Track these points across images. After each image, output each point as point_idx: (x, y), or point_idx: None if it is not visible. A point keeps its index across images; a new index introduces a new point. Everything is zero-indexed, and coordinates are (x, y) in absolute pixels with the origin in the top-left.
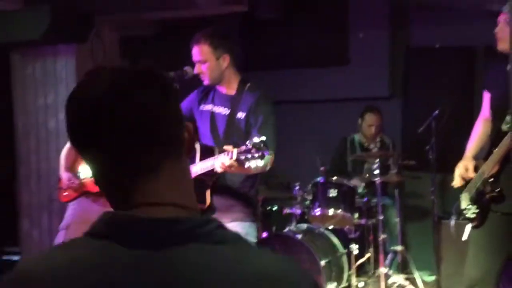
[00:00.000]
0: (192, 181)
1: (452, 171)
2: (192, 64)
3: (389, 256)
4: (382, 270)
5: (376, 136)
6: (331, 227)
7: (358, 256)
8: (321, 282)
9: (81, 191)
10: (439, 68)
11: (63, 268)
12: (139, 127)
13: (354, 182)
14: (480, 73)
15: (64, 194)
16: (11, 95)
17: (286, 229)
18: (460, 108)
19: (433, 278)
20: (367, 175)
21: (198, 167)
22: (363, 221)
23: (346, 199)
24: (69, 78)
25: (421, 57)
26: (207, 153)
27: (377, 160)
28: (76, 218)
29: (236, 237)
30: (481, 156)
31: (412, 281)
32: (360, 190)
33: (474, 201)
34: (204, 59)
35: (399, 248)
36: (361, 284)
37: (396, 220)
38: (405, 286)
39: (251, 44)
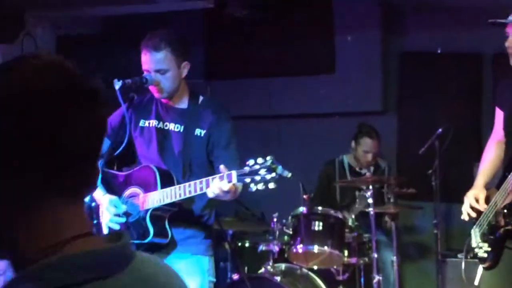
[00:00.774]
0: None
1: (459, 201)
2: (138, 72)
3: None
4: None
5: (371, 162)
6: (315, 267)
7: None
8: None
9: None
10: (440, 78)
11: None
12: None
13: (344, 213)
14: (489, 83)
15: None
16: None
17: (262, 270)
18: (467, 125)
19: None
20: (359, 205)
21: (159, 195)
22: (353, 260)
23: (334, 233)
24: None
25: (419, 65)
26: (166, 178)
27: (371, 187)
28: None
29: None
30: (494, 184)
31: None
32: (350, 222)
33: (486, 237)
34: (164, 69)
35: None
36: None
37: (392, 258)
38: None
39: (217, 49)
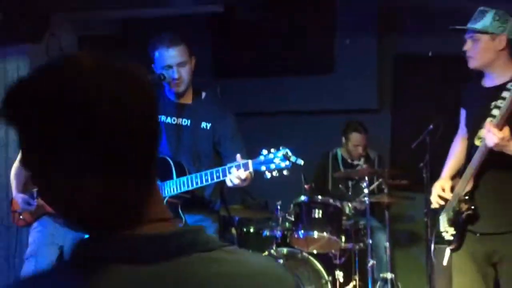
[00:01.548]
0: None
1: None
2: (150, 70)
3: (378, 284)
4: None
5: (362, 154)
6: (315, 251)
7: (344, 284)
8: None
9: (41, 212)
10: (431, 78)
11: None
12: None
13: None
14: None
15: (20, 218)
16: None
17: (266, 253)
18: (456, 122)
19: None
20: (355, 194)
21: (176, 184)
22: (349, 245)
23: (332, 220)
24: None
25: (412, 66)
26: (180, 168)
27: (366, 178)
28: (44, 241)
29: (220, 242)
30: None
31: None
32: (347, 211)
33: (451, 222)
34: (185, 61)
35: (388, 275)
36: None
37: (385, 244)
38: None
39: (224, 49)
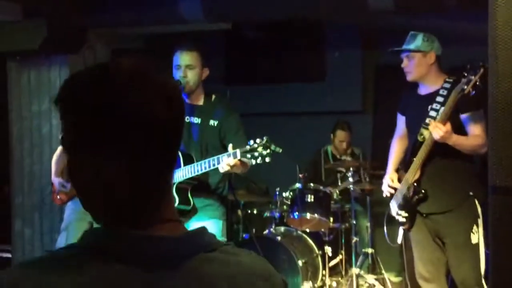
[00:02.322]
0: None
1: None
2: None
3: (360, 258)
4: (354, 270)
5: (347, 149)
6: (307, 230)
7: (332, 258)
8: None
9: (72, 194)
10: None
11: None
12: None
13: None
14: None
15: (58, 197)
16: (7, 102)
17: (266, 231)
18: None
19: (399, 279)
20: (342, 183)
21: (182, 172)
22: (337, 225)
23: (322, 204)
24: None
25: (391, 75)
26: (188, 158)
27: (351, 169)
28: (75, 217)
29: (219, 242)
30: (402, 168)
31: (381, 281)
32: (335, 196)
33: (402, 207)
34: (193, 65)
35: (369, 250)
36: (334, 283)
37: (367, 224)
38: (375, 286)
39: (234, 60)
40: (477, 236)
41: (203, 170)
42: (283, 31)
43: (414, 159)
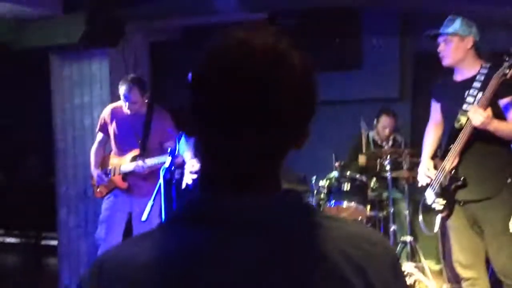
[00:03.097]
0: None
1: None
2: None
3: (399, 246)
4: None
5: (389, 136)
6: None
7: None
8: None
9: (112, 187)
10: (445, 71)
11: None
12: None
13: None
14: None
15: (98, 190)
16: (50, 95)
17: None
18: None
19: (439, 266)
20: (380, 170)
21: None
22: (374, 213)
23: (359, 192)
24: (103, 79)
25: (429, 62)
26: None
27: (389, 156)
28: (115, 209)
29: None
30: (438, 155)
31: (421, 269)
32: (372, 184)
33: (439, 195)
34: None
35: (408, 238)
36: None
37: (405, 212)
38: (414, 274)
39: None
40: None
41: None
42: (319, 19)
43: (452, 146)
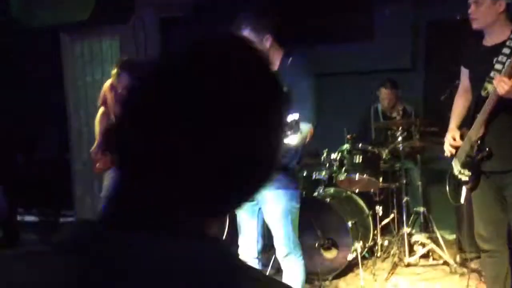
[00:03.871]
0: None
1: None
2: None
3: (412, 217)
4: (406, 229)
5: (393, 106)
6: (357, 190)
7: (383, 217)
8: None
9: (109, 164)
10: (458, 40)
11: None
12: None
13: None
14: None
15: (97, 166)
16: (62, 73)
17: (315, 193)
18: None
19: (453, 236)
20: (391, 141)
21: None
22: (387, 185)
23: (371, 164)
24: (113, 57)
25: (442, 30)
26: None
27: (400, 127)
28: None
29: None
30: (465, 125)
31: (434, 240)
32: (384, 155)
33: (465, 165)
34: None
35: (421, 209)
36: (386, 242)
37: (418, 183)
38: (427, 244)
39: (283, 22)
40: None
41: None
42: None
43: (478, 115)
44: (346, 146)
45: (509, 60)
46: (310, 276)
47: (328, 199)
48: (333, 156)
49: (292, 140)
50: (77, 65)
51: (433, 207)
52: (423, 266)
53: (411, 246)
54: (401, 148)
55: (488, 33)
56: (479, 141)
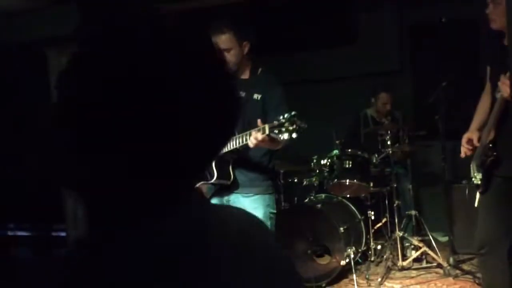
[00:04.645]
0: None
1: (460, 139)
2: None
3: (404, 220)
4: (398, 233)
5: (390, 111)
6: (348, 196)
7: (375, 222)
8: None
9: None
10: (445, 42)
11: None
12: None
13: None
14: (484, 43)
15: None
16: (49, 88)
17: (307, 199)
18: (466, 78)
19: (446, 238)
20: (381, 146)
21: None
22: (378, 189)
23: (361, 169)
24: None
25: (427, 32)
26: None
27: (389, 132)
28: None
29: None
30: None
31: (427, 243)
32: (374, 160)
33: (478, 168)
34: (229, 47)
35: (413, 212)
36: (379, 247)
37: (409, 186)
38: (421, 247)
39: (264, 29)
40: None
41: (237, 145)
42: None
43: (490, 116)
44: (335, 151)
45: None
46: (304, 283)
47: (319, 205)
48: (323, 162)
49: (290, 136)
50: None
51: (425, 209)
52: (416, 269)
53: (404, 250)
54: (390, 153)
55: (506, 33)
56: (490, 144)
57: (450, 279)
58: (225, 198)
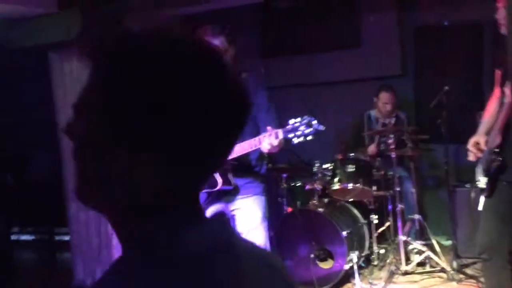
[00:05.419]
0: None
1: (463, 143)
2: None
3: (407, 224)
4: (401, 237)
5: (392, 112)
6: (351, 200)
7: (378, 226)
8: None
9: None
10: (448, 45)
11: None
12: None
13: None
14: (488, 49)
15: None
16: (52, 93)
17: (310, 203)
18: (469, 82)
19: (450, 242)
20: (383, 148)
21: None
22: (381, 193)
23: (364, 173)
24: None
25: (430, 36)
26: None
27: (392, 134)
28: None
29: None
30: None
31: (430, 247)
32: (376, 164)
33: (484, 173)
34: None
35: (416, 216)
36: (382, 251)
37: (412, 190)
38: (424, 252)
39: (270, 33)
40: None
41: (245, 152)
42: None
43: (496, 121)
44: (338, 155)
45: None
46: None
47: (322, 210)
48: (326, 166)
49: (305, 139)
50: (67, 83)
51: (429, 213)
52: (420, 273)
53: (407, 254)
54: (393, 156)
55: None
56: (496, 149)
57: (454, 283)
58: (225, 201)
